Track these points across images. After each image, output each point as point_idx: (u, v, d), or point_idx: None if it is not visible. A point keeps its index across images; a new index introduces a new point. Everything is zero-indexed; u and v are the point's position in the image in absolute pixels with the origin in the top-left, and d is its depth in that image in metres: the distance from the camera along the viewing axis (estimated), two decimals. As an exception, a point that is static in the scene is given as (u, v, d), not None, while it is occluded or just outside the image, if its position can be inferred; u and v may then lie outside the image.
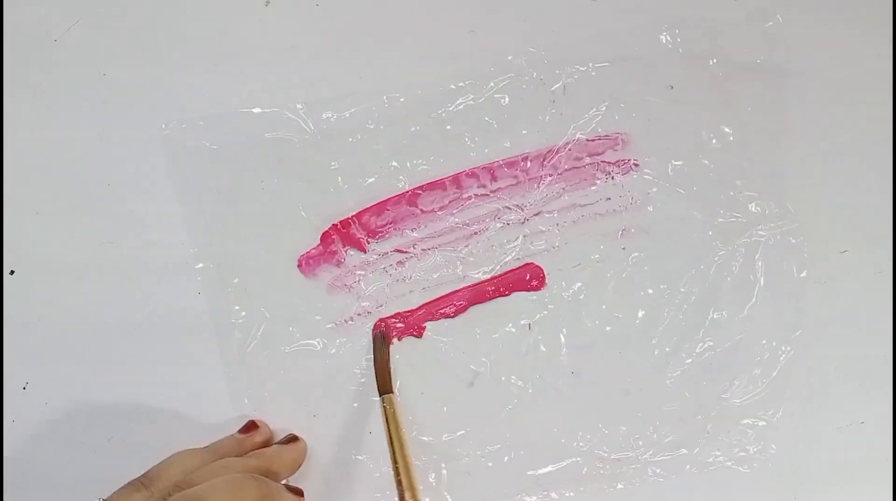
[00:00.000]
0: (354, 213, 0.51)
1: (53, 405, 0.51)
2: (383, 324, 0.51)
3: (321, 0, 0.53)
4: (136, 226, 0.52)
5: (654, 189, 0.51)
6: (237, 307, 0.51)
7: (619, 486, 0.50)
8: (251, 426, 0.49)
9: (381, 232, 0.51)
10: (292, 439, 0.49)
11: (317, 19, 0.53)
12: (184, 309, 0.51)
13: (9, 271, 0.52)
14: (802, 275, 0.50)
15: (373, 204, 0.51)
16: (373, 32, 0.52)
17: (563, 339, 0.51)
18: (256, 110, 0.51)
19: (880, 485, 0.50)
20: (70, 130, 0.52)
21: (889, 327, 0.50)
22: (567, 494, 0.50)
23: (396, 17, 0.52)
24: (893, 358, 0.50)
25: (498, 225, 0.51)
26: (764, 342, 0.50)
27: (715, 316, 0.50)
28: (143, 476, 0.43)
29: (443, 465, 0.50)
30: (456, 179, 0.51)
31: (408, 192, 0.51)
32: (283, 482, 0.48)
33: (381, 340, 0.50)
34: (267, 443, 0.49)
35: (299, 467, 0.49)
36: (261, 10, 0.53)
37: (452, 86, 0.51)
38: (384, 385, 0.49)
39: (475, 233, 0.51)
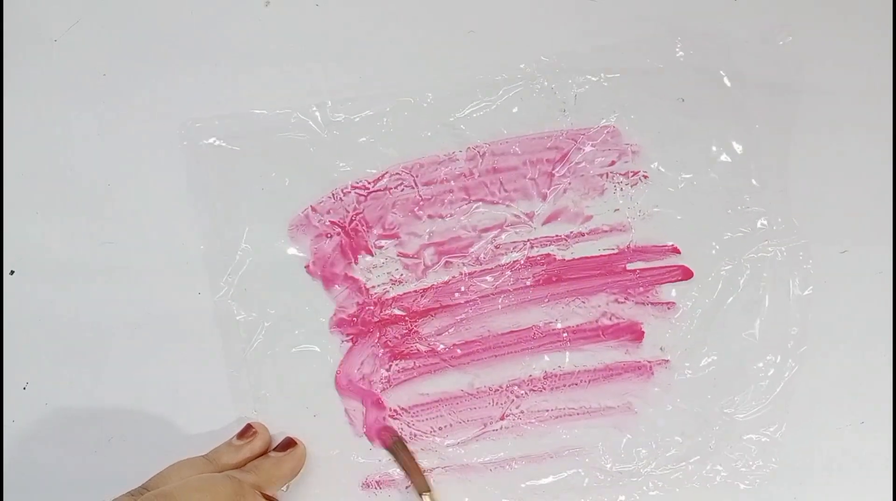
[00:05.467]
0: (363, 215, 0.51)
1: (53, 405, 0.51)
2: (392, 431, 0.50)
3: (321, 0, 0.53)
4: (135, 226, 0.52)
5: (662, 202, 0.51)
6: (241, 307, 0.51)
7: (621, 498, 0.50)
8: (249, 431, 0.49)
9: (389, 236, 0.51)
10: (290, 444, 0.49)
11: (316, 20, 0.52)
12: (184, 309, 0.51)
13: (9, 271, 0.52)
14: (808, 292, 0.50)
15: (381, 207, 0.51)
16: (375, 34, 0.52)
17: (566, 349, 0.51)
18: (267, 111, 0.51)
19: (880, 485, 0.50)
20: (70, 130, 0.52)
21: (889, 327, 0.50)
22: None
23: (402, 20, 0.52)
24: (893, 358, 0.50)
25: (505, 232, 0.51)
26: (768, 357, 0.50)
27: (719, 331, 0.50)
28: (141, 486, 0.44)
29: (444, 472, 0.50)
30: (464, 186, 0.51)
31: (416, 196, 0.51)
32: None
33: (400, 445, 0.50)
34: (266, 447, 0.49)
35: (298, 473, 0.49)
36: (260, 10, 0.53)
37: (464, 92, 0.51)
38: (420, 486, 0.49)
39: (482, 239, 0.51)
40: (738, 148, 0.51)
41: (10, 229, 0.52)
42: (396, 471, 0.50)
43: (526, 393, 0.50)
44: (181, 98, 0.52)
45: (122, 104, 0.52)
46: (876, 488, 0.49)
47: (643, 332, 0.50)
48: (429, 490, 0.49)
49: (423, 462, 0.50)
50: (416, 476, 0.49)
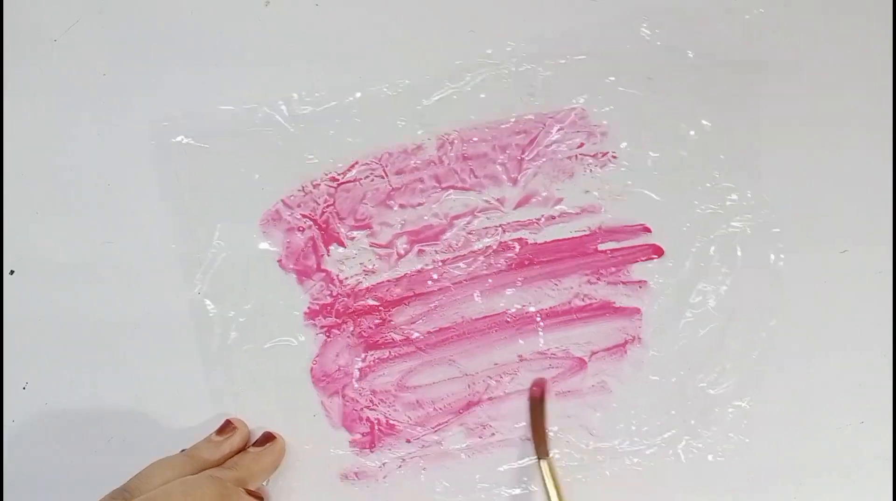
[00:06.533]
0: (334, 207, 0.51)
1: (53, 405, 0.51)
2: (539, 385, 0.50)
3: (321, 0, 0.53)
4: (135, 226, 0.52)
5: (632, 181, 0.51)
6: (216, 303, 0.51)
7: (598, 476, 0.50)
8: (228, 427, 0.49)
9: (361, 226, 0.51)
10: (269, 438, 0.49)
11: (316, 19, 0.52)
12: (183, 309, 0.51)
13: (9, 271, 0.52)
14: (780, 265, 0.50)
15: (352, 198, 0.51)
16: (361, 31, 0.52)
17: (540, 331, 0.51)
18: (234, 107, 0.51)
19: (880, 485, 0.50)
20: (70, 130, 0.52)
21: (889, 327, 0.50)
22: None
23: (366, 8, 0.52)
24: (893, 358, 0.50)
25: (477, 218, 0.51)
26: (740, 331, 0.50)
27: (692, 306, 0.50)
28: (122, 487, 0.44)
29: (422, 460, 0.50)
30: (435, 174, 0.51)
31: (387, 186, 0.51)
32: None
33: (539, 401, 0.49)
34: (245, 443, 0.49)
35: (278, 467, 0.50)
36: (261, 10, 0.53)
37: (431, 80, 0.51)
38: (541, 450, 0.47)
39: (454, 227, 0.51)
40: (706, 124, 0.51)
41: (10, 229, 0.52)
42: (373, 463, 0.50)
43: (501, 377, 0.51)
44: (180, 98, 0.52)
45: (122, 104, 0.52)
46: (876, 488, 0.49)
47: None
48: (547, 457, 0.47)
49: (401, 450, 0.50)
50: (540, 440, 0.48)
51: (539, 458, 0.47)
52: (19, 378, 0.52)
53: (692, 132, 0.51)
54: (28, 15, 0.53)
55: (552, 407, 0.50)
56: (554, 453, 0.50)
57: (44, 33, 0.53)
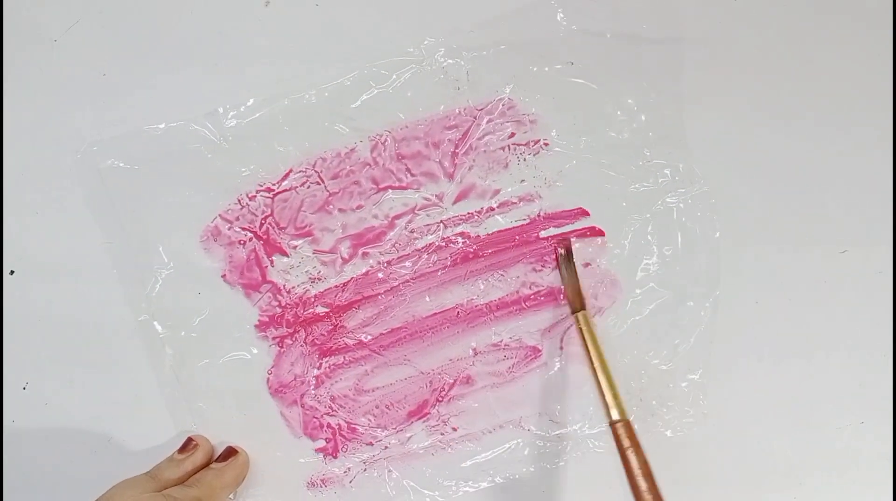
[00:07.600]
0: (272, 217, 0.51)
1: (53, 405, 0.51)
2: (563, 242, 0.50)
3: (321, 0, 0.53)
4: (135, 225, 0.52)
5: (566, 166, 0.51)
6: (165, 323, 0.51)
7: (562, 462, 0.50)
8: (190, 445, 0.49)
9: (302, 234, 0.51)
10: (231, 453, 0.49)
11: (318, 19, 0.52)
12: (181, 309, 0.51)
13: (9, 271, 0.52)
14: (716, 236, 0.51)
15: (290, 207, 0.51)
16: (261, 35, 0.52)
17: (491, 323, 0.51)
18: (163, 125, 0.51)
19: (880, 485, 0.50)
20: (70, 129, 0.52)
21: (889, 327, 0.50)
22: (512, 476, 0.50)
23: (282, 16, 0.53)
24: (893, 358, 0.50)
25: (417, 216, 0.51)
26: (686, 304, 0.51)
27: (638, 285, 0.51)
28: None
29: (386, 462, 0.51)
30: (371, 175, 0.51)
31: (324, 192, 0.51)
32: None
33: (567, 258, 0.50)
34: (208, 459, 0.49)
35: (242, 480, 0.50)
36: (261, 10, 0.53)
37: (356, 82, 0.51)
38: (576, 303, 0.48)
39: (396, 227, 0.51)
40: (631, 103, 0.51)
41: (10, 229, 0.52)
42: (337, 469, 0.51)
43: (458, 372, 0.51)
44: (180, 98, 0.52)
45: (123, 104, 0.52)
46: (876, 488, 0.49)
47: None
48: (583, 309, 0.48)
49: (365, 454, 0.51)
50: (574, 294, 0.49)
51: (573, 312, 0.48)
52: (19, 378, 0.52)
53: (619, 112, 0.51)
54: (28, 15, 0.53)
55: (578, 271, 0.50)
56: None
57: (44, 33, 0.53)
